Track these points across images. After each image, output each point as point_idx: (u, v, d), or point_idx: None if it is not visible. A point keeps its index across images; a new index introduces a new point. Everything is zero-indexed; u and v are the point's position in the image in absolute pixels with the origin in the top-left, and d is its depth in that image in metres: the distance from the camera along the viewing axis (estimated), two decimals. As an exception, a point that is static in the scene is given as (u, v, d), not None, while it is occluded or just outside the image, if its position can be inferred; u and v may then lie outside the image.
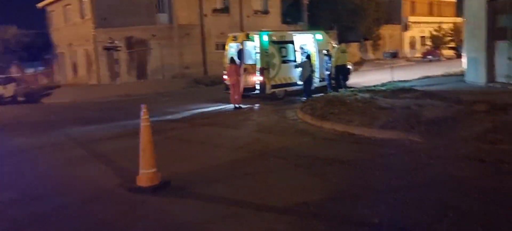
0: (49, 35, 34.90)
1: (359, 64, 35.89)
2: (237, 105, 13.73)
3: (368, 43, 42.09)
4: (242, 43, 15.18)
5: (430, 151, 6.60)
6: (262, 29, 16.86)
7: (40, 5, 34.37)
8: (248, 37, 15.32)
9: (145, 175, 5.60)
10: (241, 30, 29.27)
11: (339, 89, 14.73)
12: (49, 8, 34.18)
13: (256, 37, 15.06)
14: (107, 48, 25.01)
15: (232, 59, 14.20)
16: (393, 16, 45.71)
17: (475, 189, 4.89)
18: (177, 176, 6.08)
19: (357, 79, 20.59)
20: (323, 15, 35.56)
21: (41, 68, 35.94)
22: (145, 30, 27.86)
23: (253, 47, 15.17)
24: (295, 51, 15.96)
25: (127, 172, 6.26)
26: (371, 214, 4.33)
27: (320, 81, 16.60)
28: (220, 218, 4.51)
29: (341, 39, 36.90)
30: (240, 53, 15.11)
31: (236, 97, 13.79)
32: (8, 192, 5.99)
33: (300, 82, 15.72)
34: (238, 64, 14.26)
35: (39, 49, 34.16)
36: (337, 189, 5.25)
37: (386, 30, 44.29)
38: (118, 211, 4.92)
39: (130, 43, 27.53)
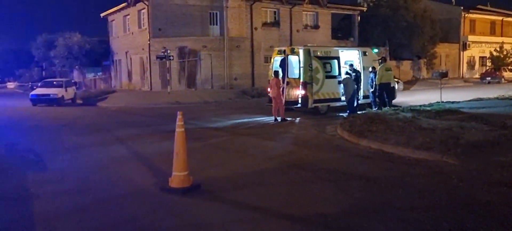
0: (109, 43, 37.14)
1: (411, 83, 35.01)
2: (278, 118, 13.99)
3: (422, 61, 40.88)
4: (286, 57, 15.46)
5: (462, 174, 6.49)
6: (307, 44, 17.08)
7: (103, 14, 36.71)
8: (292, 52, 15.59)
9: (177, 177, 5.99)
10: (291, 44, 29.64)
11: (383, 108, 14.61)
12: (110, 18, 36.42)
13: (301, 52, 15.31)
14: (160, 57, 26.27)
15: (276, 73, 14.49)
16: (451, 34, 44.10)
17: (497, 214, 4.81)
18: (208, 180, 6.43)
19: (405, 98, 20.23)
20: (375, 31, 35.15)
21: (100, 73, 38.31)
22: (197, 41, 28.94)
23: (297, 61, 15.41)
24: (339, 67, 16.04)
25: (163, 173, 6.69)
26: (383, 229, 4.41)
27: (363, 98, 16.51)
28: (239, 221, 4.78)
29: (393, 57, 36.29)
30: (283, 67, 15.41)
31: (277, 110, 14.06)
32: (60, 184, 6.62)
33: (344, 98, 15.77)
34: (281, 78, 14.52)
35: (99, 55, 36.45)
36: (357, 204, 5.35)
37: (443, 49, 42.81)
38: (148, 208, 5.33)
39: (182, 53, 28.68)
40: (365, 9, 36.29)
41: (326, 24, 34.47)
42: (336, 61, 16.07)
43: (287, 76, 15.35)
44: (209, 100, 24.01)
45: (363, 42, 33.65)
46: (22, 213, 5.26)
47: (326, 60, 15.83)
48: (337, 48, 17.16)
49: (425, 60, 40.84)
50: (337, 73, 16.01)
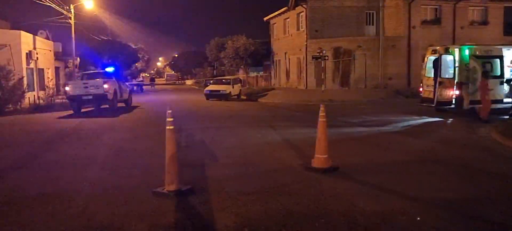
0: (270, 44, 40.37)
1: None
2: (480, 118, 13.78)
3: None
4: (439, 57, 15.14)
5: None
6: (468, 43, 16.32)
7: (266, 18, 40.11)
8: (447, 51, 15.18)
9: (318, 159, 7.10)
10: (453, 42, 28.04)
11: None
12: (272, 21, 39.56)
13: (457, 51, 14.85)
14: (315, 58, 27.76)
15: (484, 74, 14.10)
16: None
17: None
18: (346, 165, 7.37)
19: None
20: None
21: (261, 72, 41.94)
22: (352, 41, 29.56)
23: (451, 61, 14.97)
24: (502, 66, 15.00)
25: (307, 156, 7.88)
26: (500, 216, 4.75)
27: (534, 101, 15.05)
28: (364, 196, 5.63)
29: None
30: (436, 67, 15.14)
31: (483, 111, 13.84)
32: (227, 159, 8.41)
33: (507, 100, 14.77)
34: (486, 80, 14.03)
35: (261, 56, 39.99)
36: (483, 195, 5.64)
37: None
38: (295, 180, 6.57)
39: (337, 53, 29.67)
40: (550, 0, 31.66)
41: (497, 19, 31.27)
42: (498, 60, 15.06)
43: (440, 76, 15.05)
44: (362, 99, 24.48)
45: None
46: (202, 175, 7.05)
47: (486, 59, 14.97)
48: (501, 46, 15.94)
49: None
50: (499, 74, 15.00)
